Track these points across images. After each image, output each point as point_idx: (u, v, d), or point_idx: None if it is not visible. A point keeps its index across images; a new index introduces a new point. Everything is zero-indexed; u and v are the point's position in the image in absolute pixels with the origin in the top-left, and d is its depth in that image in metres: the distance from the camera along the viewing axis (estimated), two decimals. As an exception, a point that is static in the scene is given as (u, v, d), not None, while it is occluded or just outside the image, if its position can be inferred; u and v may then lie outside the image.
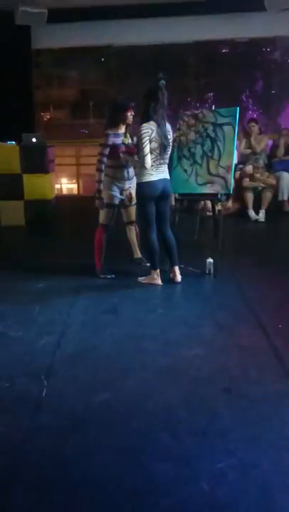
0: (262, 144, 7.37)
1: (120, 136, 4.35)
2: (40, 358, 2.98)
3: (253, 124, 7.35)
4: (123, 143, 4.32)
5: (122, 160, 4.31)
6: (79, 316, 3.60)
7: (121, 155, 4.26)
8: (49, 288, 4.25)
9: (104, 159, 4.30)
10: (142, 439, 2.23)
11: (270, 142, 8.07)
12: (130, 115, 4.33)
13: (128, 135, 4.37)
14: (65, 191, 12.23)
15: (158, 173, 4.06)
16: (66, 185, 13.28)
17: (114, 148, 4.29)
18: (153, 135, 3.93)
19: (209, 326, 3.40)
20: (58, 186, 10.28)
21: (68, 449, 2.18)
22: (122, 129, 4.38)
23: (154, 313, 3.65)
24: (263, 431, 2.26)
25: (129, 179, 4.45)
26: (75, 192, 10.96)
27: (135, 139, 4.32)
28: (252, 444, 2.16)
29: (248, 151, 7.30)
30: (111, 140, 4.30)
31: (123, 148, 4.31)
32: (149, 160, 3.94)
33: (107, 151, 4.29)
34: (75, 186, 11.27)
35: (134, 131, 4.35)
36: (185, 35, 8.65)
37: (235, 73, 12.37)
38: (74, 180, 11.34)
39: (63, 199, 8.85)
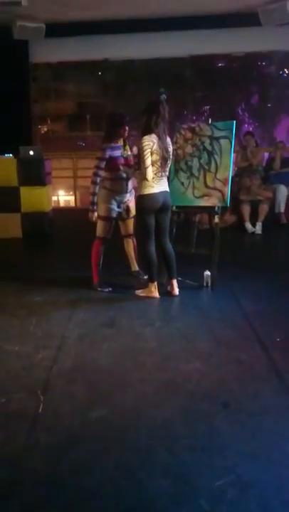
0: (258, 157, 7.41)
1: (118, 148, 4.36)
2: (36, 373, 2.95)
3: (250, 137, 7.40)
4: (122, 155, 4.33)
5: (123, 172, 4.32)
6: (76, 330, 3.57)
7: (121, 167, 4.27)
8: (46, 301, 4.23)
9: (100, 172, 4.31)
10: (140, 455, 2.20)
11: (267, 155, 8.13)
12: (124, 132, 4.35)
13: (127, 147, 4.38)
14: (62, 203, 12.26)
15: (159, 185, 4.06)
16: (63, 197, 13.33)
17: (112, 161, 4.30)
18: (154, 147, 3.95)
19: (207, 340, 3.38)
20: (54, 198, 10.30)
21: (65, 465, 2.15)
22: (120, 142, 4.40)
23: (151, 327, 3.63)
24: (262, 446, 2.23)
25: (127, 192, 4.46)
26: (72, 204, 10.98)
27: (135, 149, 4.33)
28: (251, 460, 2.14)
29: (245, 163, 7.33)
30: (108, 153, 4.31)
31: (121, 160, 4.32)
32: (150, 172, 3.95)
33: (103, 164, 4.30)
34: (72, 198, 11.30)
35: (134, 142, 4.38)
36: (181, 49, 8.72)
37: (232, 87, 12.51)
38: (71, 192, 11.36)
39: (60, 211, 8.86)
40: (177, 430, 2.37)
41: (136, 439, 2.32)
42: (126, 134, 4.38)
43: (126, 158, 4.35)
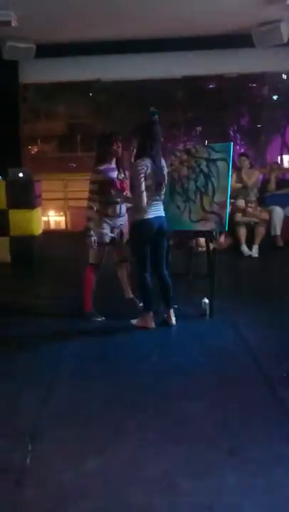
0: (253, 178, 7.26)
1: (111, 170, 4.17)
2: (24, 417, 2.69)
3: (244, 158, 7.27)
4: (117, 178, 4.13)
5: (114, 197, 4.11)
6: (67, 366, 3.33)
7: (112, 192, 4.06)
8: (35, 332, 3.98)
9: (95, 196, 4.12)
10: (139, 515, 1.96)
11: (261, 176, 8.00)
12: (117, 148, 4.17)
13: (121, 170, 4.19)
14: (52, 224, 12.01)
15: (153, 210, 3.87)
16: (53, 217, 13.10)
17: (105, 183, 4.11)
18: (148, 172, 3.76)
19: (208, 376, 3.15)
20: (44, 218, 10.05)
21: (56, 528, 1.90)
22: (112, 164, 4.22)
23: (148, 361, 3.38)
24: (276, 503, 2.00)
25: (120, 216, 4.26)
26: (63, 225, 10.75)
27: (128, 173, 4.15)
28: (266, 522, 1.90)
29: (239, 185, 7.18)
30: (101, 176, 4.12)
31: (117, 182, 4.13)
32: (144, 198, 3.75)
33: (96, 187, 4.11)
34: (62, 219, 11.08)
35: (127, 163, 4.20)
36: (173, 70, 8.63)
37: (223, 108, 12.48)
38: (61, 213, 11.15)
39: (51, 234, 8.60)
40: (180, 484, 2.13)
41: (134, 495, 2.07)
42: (119, 152, 4.20)
43: (121, 181, 4.16)
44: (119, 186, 4.13)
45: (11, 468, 2.26)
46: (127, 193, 4.04)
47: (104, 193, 4.13)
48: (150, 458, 2.32)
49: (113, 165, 4.22)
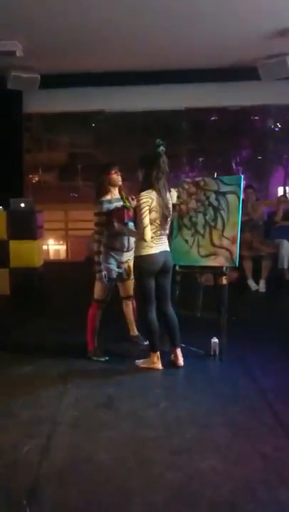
0: (259, 211, 7.11)
1: (115, 201, 4.01)
2: (22, 474, 2.44)
3: (251, 190, 7.13)
4: (125, 206, 3.95)
5: (118, 229, 3.93)
6: (69, 413, 3.08)
7: (116, 225, 3.88)
8: (35, 373, 3.73)
9: (102, 229, 3.94)
10: None
11: (266, 208, 7.85)
12: (116, 176, 4.03)
13: (125, 199, 4.03)
14: (52, 253, 11.84)
15: (158, 245, 3.69)
16: (53, 246, 12.95)
17: (111, 215, 3.94)
18: (153, 204, 3.60)
19: (222, 426, 2.90)
20: (44, 247, 9.89)
21: None
22: (115, 194, 4.06)
23: (156, 408, 3.13)
24: None
25: (128, 250, 4.06)
26: (62, 254, 10.58)
27: (133, 202, 3.97)
28: None
29: (245, 217, 7.01)
30: (105, 207, 3.96)
31: (124, 212, 3.95)
32: (149, 232, 3.58)
33: (102, 219, 3.94)
34: (62, 248, 10.92)
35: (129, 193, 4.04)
36: (177, 102, 8.59)
37: (226, 139, 12.48)
38: (61, 242, 11.00)
39: (51, 265, 8.37)
40: None
41: None
42: (119, 179, 4.04)
43: (128, 210, 3.98)
44: (126, 216, 3.95)
45: (6, 537, 2.01)
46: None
47: (110, 225, 3.96)
48: (162, 526, 2.07)
49: (117, 195, 4.07)
